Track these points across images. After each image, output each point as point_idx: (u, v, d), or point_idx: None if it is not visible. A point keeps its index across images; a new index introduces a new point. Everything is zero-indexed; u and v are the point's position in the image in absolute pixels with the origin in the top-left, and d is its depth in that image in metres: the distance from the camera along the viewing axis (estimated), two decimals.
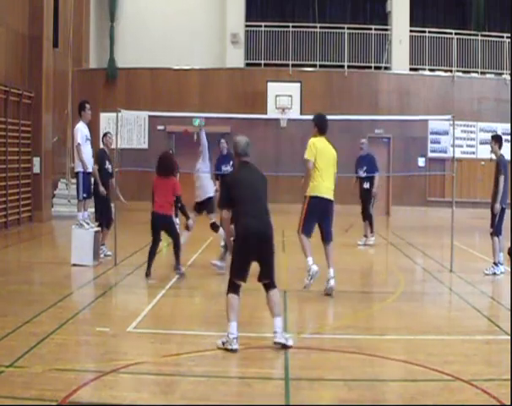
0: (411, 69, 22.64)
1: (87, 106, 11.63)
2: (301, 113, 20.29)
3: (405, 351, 6.71)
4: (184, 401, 5.22)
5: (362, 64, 22.65)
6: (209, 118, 20.22)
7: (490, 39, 22.64)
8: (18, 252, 13.28)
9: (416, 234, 17.12)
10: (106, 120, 21.59)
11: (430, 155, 22.05)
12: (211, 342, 6.75)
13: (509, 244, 11.44)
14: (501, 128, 21.78)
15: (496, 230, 10.79)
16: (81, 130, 11.41)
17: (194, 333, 7.11)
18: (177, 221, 11.66)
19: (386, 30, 22.90)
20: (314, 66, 22.50)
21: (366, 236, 14.23)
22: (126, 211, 16.60)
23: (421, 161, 22.04)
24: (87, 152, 11.58)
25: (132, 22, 22.65)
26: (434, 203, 21.53)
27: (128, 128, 21.56)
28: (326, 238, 9.28)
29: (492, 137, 11.23)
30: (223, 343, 6.49)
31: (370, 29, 22.73)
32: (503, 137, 21.75)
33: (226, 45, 22.59)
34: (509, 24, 21.14)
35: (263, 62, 22.61)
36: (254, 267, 6.76)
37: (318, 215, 9.24)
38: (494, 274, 10.71)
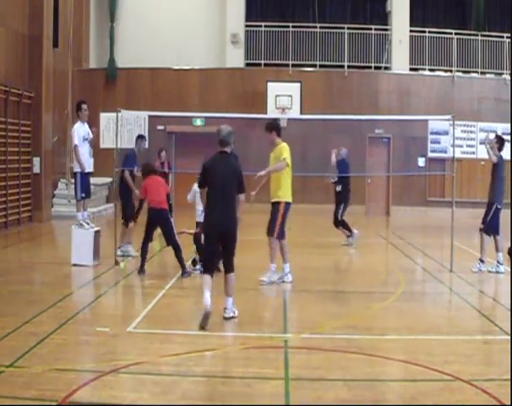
0: (411, 69, 22.65)
1: (83, 106, 11.59)
2: (301, 113, 20.32)
3: (405, 351, 6.71)
4: (184, 401, 5.22)
5: (362, 64, 22.66)
6: (209, 118, 20.36)
7: (490, 39, 22.65)
8: (18, 252, 13.28)
9: (416, 234, 17.12)
10: (106, 120, 21.62)
11: (430, 155, 22.06)
12: (211, 342, 6.76)
13: (509, 244, 11.44)
14: (501, 128, 21.78)
15: (492, 230, 10.86)
16: (78, 131, 11.34)
17: (194, 333, 7.11)
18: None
19: (386, 30, 22.90)
20: (314, 66, 22.50)
21: (348, 235, 14.06)
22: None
23: (421, 161, 22.04)
24: (85, 152, 11.54)
25: (132, 22, 22.66)
26: (434, 203, 21.54)
27: (128, 129, 21.55)
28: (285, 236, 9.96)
29: (497, 136, 11.30)
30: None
31: (370, 29, 22.73)
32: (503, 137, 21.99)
33: (226, 45, 22.60)
34: (509, 24, 21.14)
35: (263, 62, 22.61)
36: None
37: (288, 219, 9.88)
38: (480, 270, 10.84)
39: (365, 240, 14.29)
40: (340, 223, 13.99)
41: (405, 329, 7.58)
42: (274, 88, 20.79)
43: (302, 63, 22.46)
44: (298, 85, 20.88)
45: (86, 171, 11.52)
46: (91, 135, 11.65)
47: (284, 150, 9.76)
